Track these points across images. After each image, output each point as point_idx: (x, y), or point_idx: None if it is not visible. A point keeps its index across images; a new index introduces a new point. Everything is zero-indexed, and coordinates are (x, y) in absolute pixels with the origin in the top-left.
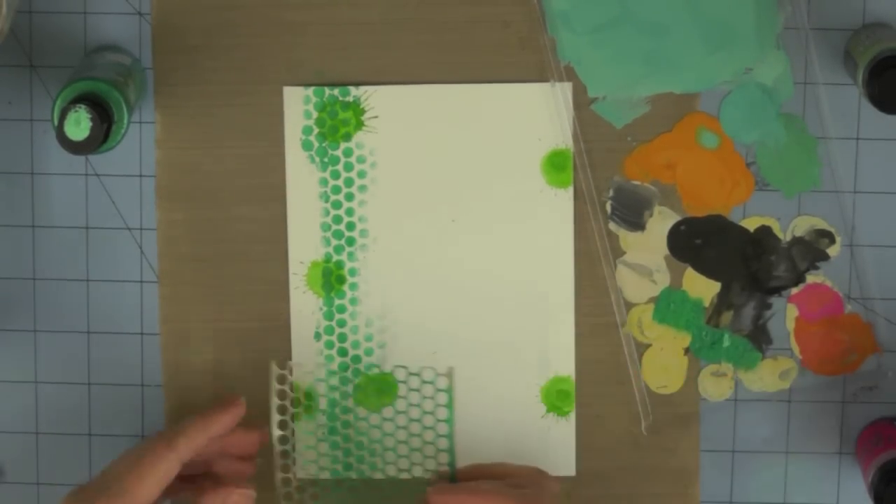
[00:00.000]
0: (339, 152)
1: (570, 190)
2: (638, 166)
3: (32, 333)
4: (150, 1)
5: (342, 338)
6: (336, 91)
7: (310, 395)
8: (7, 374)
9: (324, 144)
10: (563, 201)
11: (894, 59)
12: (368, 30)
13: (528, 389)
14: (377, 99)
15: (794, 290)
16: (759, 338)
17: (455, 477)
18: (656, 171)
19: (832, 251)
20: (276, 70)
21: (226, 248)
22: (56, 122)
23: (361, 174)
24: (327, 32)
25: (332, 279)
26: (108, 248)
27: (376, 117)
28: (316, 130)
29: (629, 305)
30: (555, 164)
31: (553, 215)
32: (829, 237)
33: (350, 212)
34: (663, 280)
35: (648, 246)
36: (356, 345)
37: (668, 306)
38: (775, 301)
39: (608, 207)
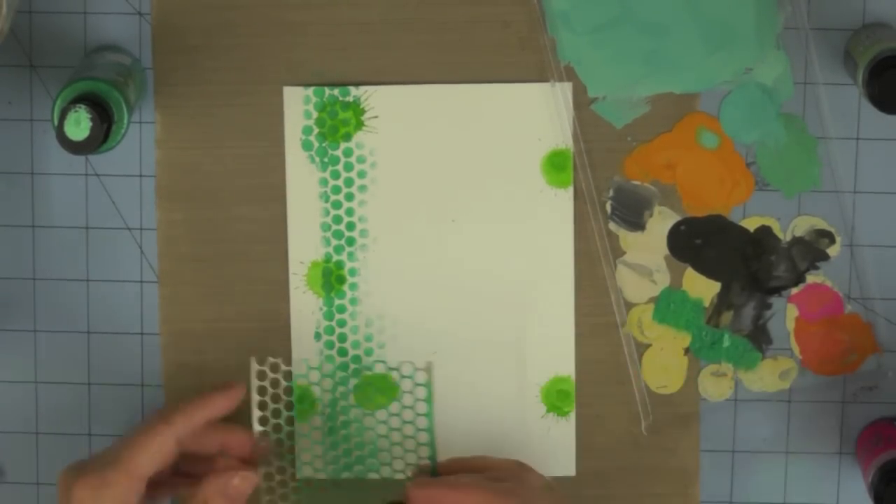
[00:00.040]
0: (339, 152)
1: (570, 190)
2: (638, 166)
3: (32, 333)
4: (150, 1)
5: (342, 338)
6: (336, 91)
7: (309, 395)
8: (7, 374)
9: (324, 144)
10: (563, 201)
11: (894, 59)
12: (368, 30)
13: (528, 389)
14: (377, 99)
15: (794, 290)
16: (759, 338)
17: (436, 471)
18: (656, 171)
19: (832, 251)
20: (276, 70)
21: (226, 248)
22: (56, 122)
23: (361, 174)
24: (327, 32)
25: (332, 279)
26: (108, 248)
27: (376, 117)
28: (316, 130)
29: (629, 305)
30: (555, 164)
31: (553, 215)
32: (829, 237)
33: (350, 212)
34: (663, 280)
35: (648, 246)
36: (356, 345)
37: (668, 306)
38: (775, 301)
39: (608, 207)
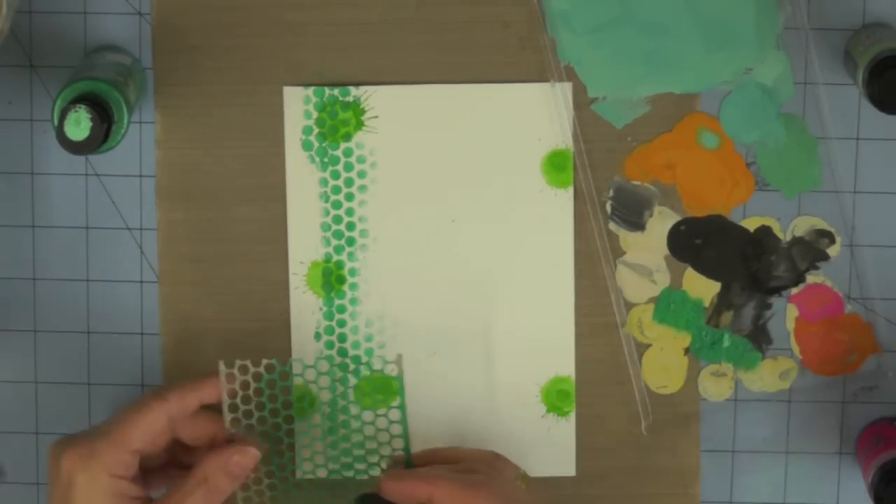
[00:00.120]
0: (339, 152)
1: (570, 190)
2: (638, 166)
3: (32, 333)
4: (150, 1)
5: (342, 338)
6: (336, 91)
7: (308, 395)
8: (7, 374)
9: (324, 144)
10: (563, 201)
11: (894, 59)
12: (368, 30)
13: (527, 389)
14: (377, 99)
15: (794, 290)
16: (759, 338)
17: (411, 462)
18: (656, 171)
19: (832, 251)
20: (276, 70)
21: (226, 248)
22: (56, 122)
23: (361, 174)
24: (327, 32)
25: (332, 279)
26: (108, 248)
27: (376, 117)
28: (316, 130)
29: (629, 305)
30: (555, 164)
31: (553, 215)
32: (829, 237)
33: (350, 212)
34: (663, 280)
35: (648, 246)
36: (356, 345)
37: (668, 306)
38: (775, 301)
39: (608, 207)
